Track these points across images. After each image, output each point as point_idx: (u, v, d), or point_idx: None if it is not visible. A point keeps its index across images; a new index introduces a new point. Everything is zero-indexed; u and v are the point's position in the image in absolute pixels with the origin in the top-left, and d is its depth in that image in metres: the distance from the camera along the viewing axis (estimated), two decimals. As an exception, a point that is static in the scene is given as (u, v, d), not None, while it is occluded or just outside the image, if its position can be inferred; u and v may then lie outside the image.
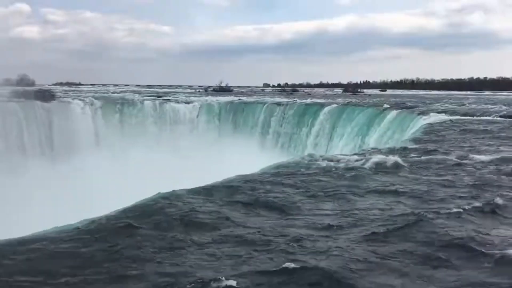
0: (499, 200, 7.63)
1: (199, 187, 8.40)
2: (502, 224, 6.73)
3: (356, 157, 12.13)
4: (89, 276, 4.83)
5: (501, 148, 13.71)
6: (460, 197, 8.02)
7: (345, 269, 4.97)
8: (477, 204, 7.48)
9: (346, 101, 41.44)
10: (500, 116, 23.90)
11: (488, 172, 10.17)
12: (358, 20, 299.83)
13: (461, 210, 7.09)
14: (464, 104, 36.16)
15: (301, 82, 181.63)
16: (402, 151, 13.16)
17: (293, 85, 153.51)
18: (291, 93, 79.58)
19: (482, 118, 23.74)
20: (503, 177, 9.66)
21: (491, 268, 5.14)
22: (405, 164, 10.88)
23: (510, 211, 7.28)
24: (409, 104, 35.05)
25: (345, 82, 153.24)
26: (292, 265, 5.00)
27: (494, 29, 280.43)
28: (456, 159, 11.60)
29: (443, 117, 24.01)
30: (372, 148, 15.70)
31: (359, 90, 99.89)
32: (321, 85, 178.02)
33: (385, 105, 32.29)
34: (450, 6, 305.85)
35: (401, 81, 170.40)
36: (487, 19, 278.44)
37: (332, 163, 11.26)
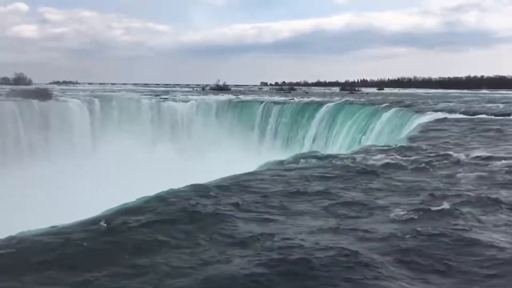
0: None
1: (196, 186, 8.35)
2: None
3: (354, 155, 12.11)
4: (87, 275, 4.80)
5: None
6: (459, 195, 8.00)
7: (337, 269, 4.95)
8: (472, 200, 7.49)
9: (344, 100, 41.43)
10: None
11: (486, 168, 10.16)
12: (355, 19, 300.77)
13: (460, 208, 7.09)
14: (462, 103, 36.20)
15: (298, 80, 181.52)
16: (400, 149, 13.14)
17: (291, 84, 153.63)
18: (288, 92, 79.57)
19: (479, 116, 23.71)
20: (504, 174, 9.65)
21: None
22: (403, 162, 10.86)
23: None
24: (406, 102, 35.07)
25: (343, 81, 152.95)
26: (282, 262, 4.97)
27: (490, 28, 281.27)
28: (453, 156, 11.57)
29: (441, 115, 24.01)
30: (370, 146, 15.66)
31: (356, 88, 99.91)
32: (318, 84, 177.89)
33: (386, 103, 32.31)
34: (446, 5, 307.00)
35: (398, 79, 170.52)
36: (483, 18, 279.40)
37: (329, 161, 11.24)
